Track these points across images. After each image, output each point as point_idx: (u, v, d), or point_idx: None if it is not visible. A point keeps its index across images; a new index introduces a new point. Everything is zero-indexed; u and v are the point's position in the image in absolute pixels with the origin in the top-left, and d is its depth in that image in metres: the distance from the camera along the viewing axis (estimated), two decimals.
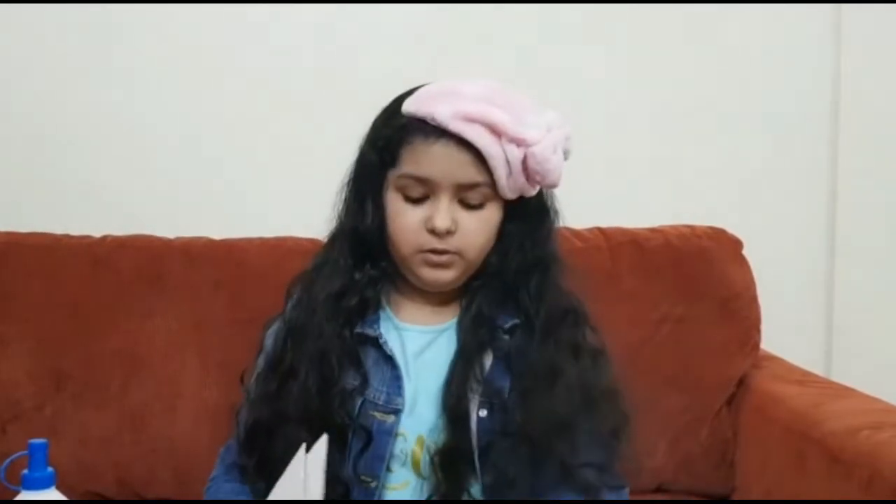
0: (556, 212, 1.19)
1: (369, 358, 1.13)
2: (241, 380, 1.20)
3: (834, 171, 1.91)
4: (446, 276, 1.13)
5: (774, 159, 1.90)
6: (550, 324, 1.13)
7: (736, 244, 1.62)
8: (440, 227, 1.09)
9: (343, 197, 1.19)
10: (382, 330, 1.14)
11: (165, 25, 1.78)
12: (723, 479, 1.54)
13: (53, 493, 0.91)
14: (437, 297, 1.18)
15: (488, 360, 1.12)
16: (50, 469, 0.91)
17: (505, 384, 1.11)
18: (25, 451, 0.91)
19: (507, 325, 1.14)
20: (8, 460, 0.93)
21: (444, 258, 1.11)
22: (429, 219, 1.10)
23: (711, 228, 1.63)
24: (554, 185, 1.13)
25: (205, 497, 1.19)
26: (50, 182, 1.78)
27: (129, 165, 1.80)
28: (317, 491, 0.91)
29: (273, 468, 1.06)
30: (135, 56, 1.79)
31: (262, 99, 1.80)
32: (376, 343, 1.13)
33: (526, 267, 1.15)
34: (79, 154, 1.79)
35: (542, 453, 1.07)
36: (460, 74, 1.14)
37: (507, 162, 1.08)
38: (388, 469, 1.10)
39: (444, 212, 1.09)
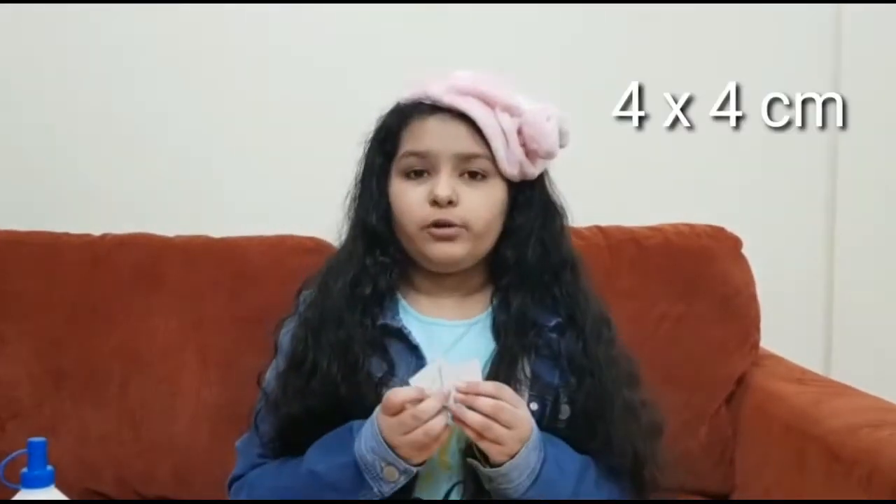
0: (563, 208, 1.21)
1: (394, 350, 1.14)
2: (258, 382, 1.20)
3: (833, 169, 1.91)
4: (454, 250, 1.13)
5: (774, 158, 1.90)
6: (596, 326, 1.16)
7: (735, 242, 1.62)
8: (441, 196, 1.11)
9: (353, 200, 1.21)
10: (405, 323, 1.15)
11: (165, 25, 1.78)
12: (722, 477, 1.54)
13: (53, 492, 0.91)
14: (459, 290, 1.19)
15: (532, 357, 1.13)
16: (49, 467, 0.91)
17: (553, 379, 1.14)
18: (25, 450, 0.91)
19: (552, 324, 1.16)
20: (7, 459, 0.93)
21: (449, 230, 1.12)
22: (430, 192, 1.12)
23: (711, 227, 1.62)
24: (551, 155, 1.15)
25: (238, 495, 1.18)
26: (49, 180, 1.78)
27: (128, 164, 1.80)
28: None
29: None
30: (135, 55, 1.79)
31: (262, 98, 1.80)
32: (400, 335, 1.14)
33: (554, 266, 1.17)
34: (78, 152, 1.79)
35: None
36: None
37: (503, 131, 1.12)
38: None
39: (444, 182, 1.12)
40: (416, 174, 1.14)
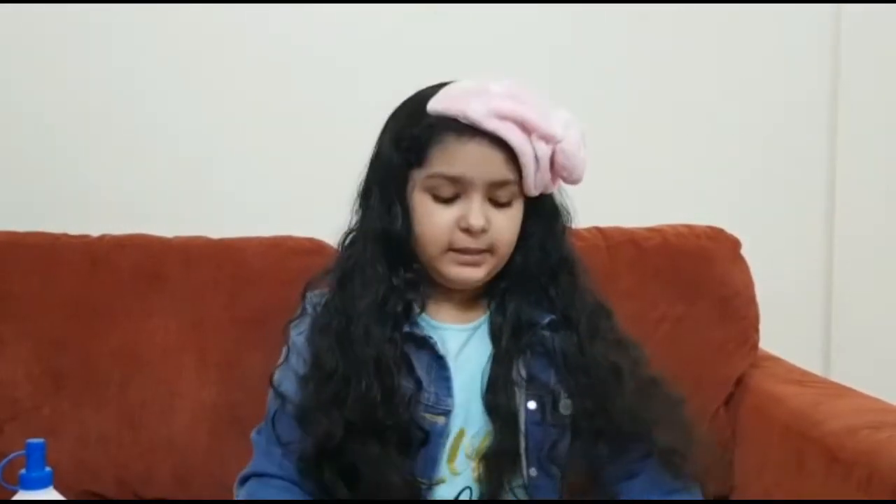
0: (568, 211, 1.20)
1: (416, 359, 1.12)
2: (271, 381, 1.17)
3: (832, 170, 1.91)
4: (476, 274, 1.13)
5: (773, 159, 1.90)
6: (591, 321, 1.15)
7: (734, 244, 1.62)
8: (476, 226, 1.09)
9: (365, 199, 1.17)
10: (427, 331, 1.14)
11: (165, 25, 1.78)
12: (721, 478, 1.54)
13: (51, 493, 0.91)
14: (463, 294, 1.18)
15: (527, 357, 1.13)
16: (48, 469, 0.91)
17: (549, 378, 1.13)
18: (23, 451, 0.91)
19: (546, 321, 1.15)
20: (6, 460, 0.93)
21: (475, 257, 1.11)
22: (462, 218, 1.09)
23: (710, 228, 1.63)
24: (579, 181, 1.14)
25: (243, 492, 1.16)
26: (48, 181, 1.78)
27: (127, 165, 1.79)
28: None
29: (347, 480, 1.08)
30: (134, 55, 1.79)
31: (262, 99, 1.80)
32: (424, 343, 1.13)
33: (551, 267, 1.16)
34: (77, 153, 1.79)
35: (625, 446, 1.10)
36: (463, 75, 1.14)
37: (536, 159, 1.09)
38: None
39: (477, 210, 1.09)
40: (445, 198, 1.11)
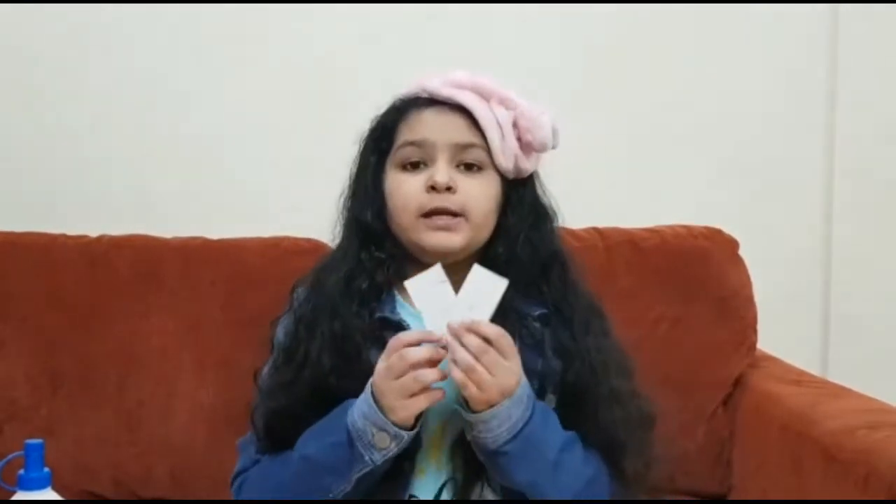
0: (554, 211, 1.21)
1: None
2: (255, 378, 1.20)
3: (830, 170, 1.91)
4: (452, 240, 1.13)
5: (771, 159, 1.90)
6: (584, 318, 1.16)
7: (732, 244, 1.62)
8: (440, 182, 1.11)
9: (345, 199, 1.21)
10: (404, 317, 1.15)
11: (165, 26, 1.78)
12: (719, 478, 1.54)
13: (49, 494, 0.91)
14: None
15: (516, 345, 1.11)
16: (46, 469, 0.91)
17: (536, 367, 1.13)
18: (22, 452, 0.91)
19: (536, 314, 1.15)
20: (4, 461, 0.93)
21: (448, 220, 1.12)
22: (429, 178, 1.12)
23: (708, 228, 1.63)
24: (545, 148, 1.16)
25: (239, 494, 1.17)
26: (46, 182, 1.78)
27: (126, 165, 1.79)
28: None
29: None
30: (133, 56, 1.79)
31: (261, 100, 1.80)
32: (400, 328, 1.13)
33: (541, 262, 1.17)
34: (75, 153, 1.79)
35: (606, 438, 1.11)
36: None
37: (498, 124, 1.13)
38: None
39: (442, 169, 1.13)
40: (413, 166, 1.15)
